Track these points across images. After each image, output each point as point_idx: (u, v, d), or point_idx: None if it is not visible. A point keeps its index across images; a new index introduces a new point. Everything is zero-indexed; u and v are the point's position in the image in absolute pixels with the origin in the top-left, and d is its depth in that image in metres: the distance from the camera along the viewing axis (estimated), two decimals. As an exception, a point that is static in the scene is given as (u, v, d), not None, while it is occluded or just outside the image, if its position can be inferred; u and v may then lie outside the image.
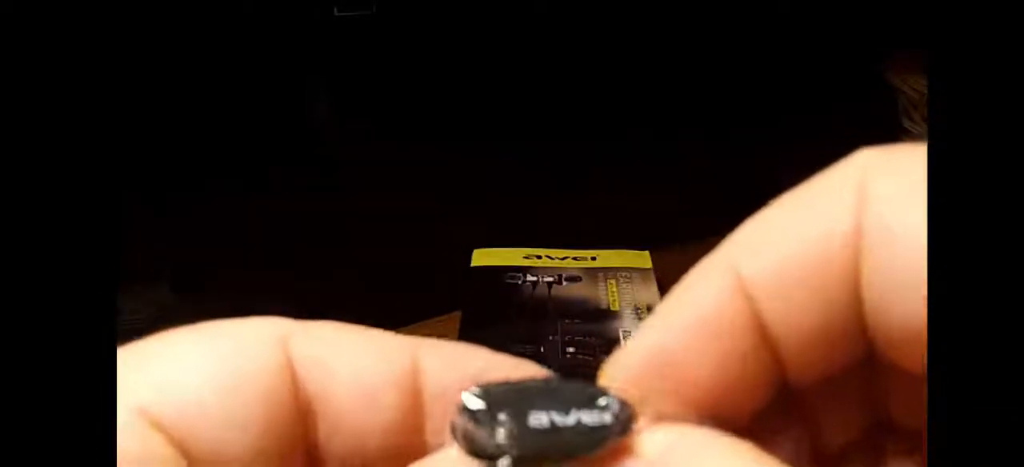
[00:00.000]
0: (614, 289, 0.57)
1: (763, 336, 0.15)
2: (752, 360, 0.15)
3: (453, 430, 0.15)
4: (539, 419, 0.15)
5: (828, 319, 0.14)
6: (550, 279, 0.58)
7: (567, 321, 0.53)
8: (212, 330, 0.15)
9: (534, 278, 0.58)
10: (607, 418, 0.15)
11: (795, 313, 0.14)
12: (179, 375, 0.15)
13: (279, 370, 0.15)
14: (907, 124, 0.93)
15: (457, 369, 0.16)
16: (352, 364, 0.15)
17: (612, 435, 0.15)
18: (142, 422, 0.14)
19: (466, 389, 0.15)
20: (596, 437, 0.15)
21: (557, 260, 0.60)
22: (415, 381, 0.16)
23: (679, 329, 0.15)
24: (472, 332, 0.53)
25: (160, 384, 0.15)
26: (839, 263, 0.14)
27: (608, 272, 0.59)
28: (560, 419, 0.15)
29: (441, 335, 0.56)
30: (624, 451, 0.15)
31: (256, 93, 1.51)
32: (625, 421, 0.15)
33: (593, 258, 0.60)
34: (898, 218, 0.14)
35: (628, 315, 0.54)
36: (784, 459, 0.14)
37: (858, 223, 0.14)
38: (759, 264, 0.15)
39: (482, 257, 0.61)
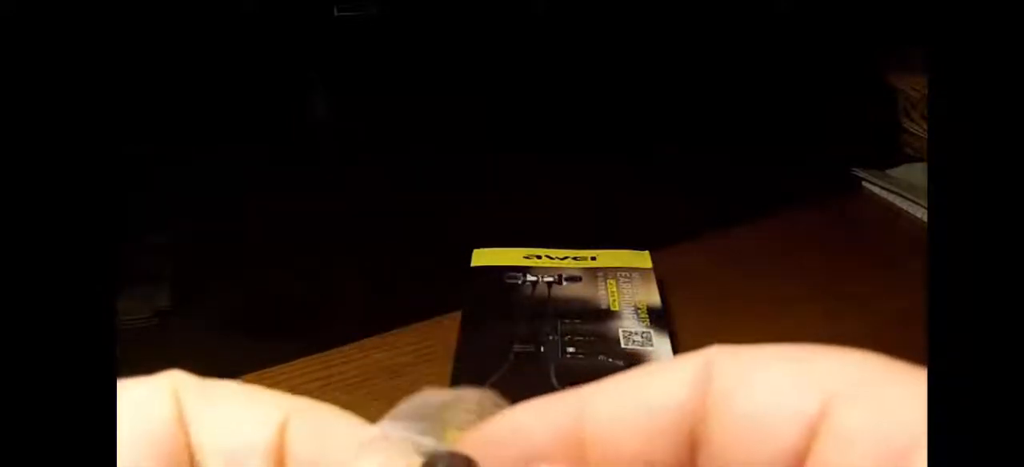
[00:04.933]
0: (614, 289, 0.57)
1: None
2: None
3: None
4: None
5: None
6: (550, 279, 0.58)
7: (567, 321, 0.53)
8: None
9: (534, 278, 0.58)
10: None
11: (620, 460, 0.17)
12: None
13: (172, 422, 0.16)
14: (907, 124, 0.93)
15: (323, 443, 0.17)
16: (225, 426, 0.16)
17: None
18: None
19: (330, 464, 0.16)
20: None
21: (557, 260, 0.60)
22: (280, 453, 0.17)
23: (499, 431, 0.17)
24: (472, 332, 0.53)
25: None
26: (670, 426, 0.16)
27: (608, 272, 0.59)
28: None
29: (441, 335, 0.56)
30: None
31: (256, 93, 1.51)
32: None
33: (593, 258, 0.60)
34: (740, 400, 0.16)
35: (628, 315, 0.54)
36: None
37: (701, 398, 0.16)
38: (603, 411, 0.17)
39: (482, 257, 0.61)
